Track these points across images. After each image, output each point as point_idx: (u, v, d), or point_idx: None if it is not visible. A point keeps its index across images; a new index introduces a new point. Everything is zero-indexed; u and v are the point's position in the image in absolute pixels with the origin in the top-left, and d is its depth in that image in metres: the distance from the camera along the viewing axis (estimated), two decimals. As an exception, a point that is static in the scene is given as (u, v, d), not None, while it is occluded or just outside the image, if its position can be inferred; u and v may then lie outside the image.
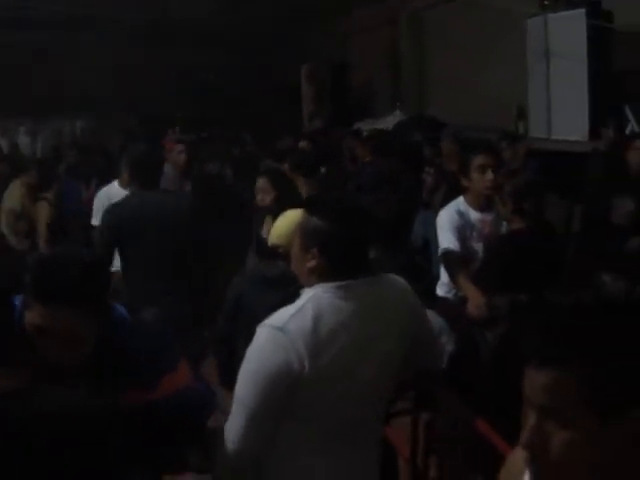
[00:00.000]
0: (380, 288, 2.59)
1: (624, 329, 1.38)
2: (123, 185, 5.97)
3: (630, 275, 5.52)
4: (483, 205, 4.65)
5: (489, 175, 4.55)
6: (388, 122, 9.98)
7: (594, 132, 7.39)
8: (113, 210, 4.87)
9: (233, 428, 2.40)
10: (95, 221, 5.98)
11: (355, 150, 8.61)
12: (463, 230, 4.59)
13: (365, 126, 10.08)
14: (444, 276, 4.70)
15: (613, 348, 1.35)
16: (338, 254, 2.47)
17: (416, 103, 11.42)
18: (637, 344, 1.36)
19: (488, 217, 4.63)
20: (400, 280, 2.73)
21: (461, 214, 4.64)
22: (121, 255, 4.79)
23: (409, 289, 2.72)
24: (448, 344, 3.97)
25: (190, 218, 4.83)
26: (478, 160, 4.59)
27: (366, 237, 2.64)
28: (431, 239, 5.01)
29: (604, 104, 7.42)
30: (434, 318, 3.86)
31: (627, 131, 6.99)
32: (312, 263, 2.47)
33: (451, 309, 4.38)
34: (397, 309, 2.62)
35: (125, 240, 4.71)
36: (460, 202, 4.71)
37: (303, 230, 2.53)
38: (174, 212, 4.79)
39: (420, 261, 4.94)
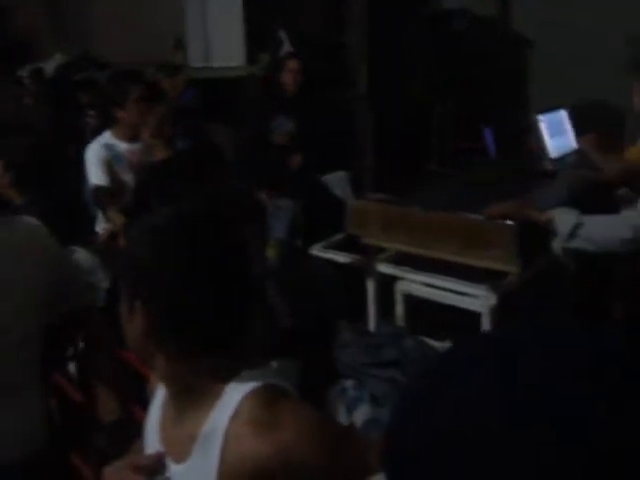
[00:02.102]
0: (6, 231, 2.44)
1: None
2: None
3: (294, 192, 5.75)
4: (131, 136, 4.57)
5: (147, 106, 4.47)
6: (50, 65, 9.51)
7: (251, 57, 7.55)
8: None
9: None
10: None
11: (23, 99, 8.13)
12: (111, 163, 4.50)
13: (26, 72, 9.54)
14: (99, 213, 4.61)
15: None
16: None
17: (81, 43, 10.99)
18: None
19: (136, 147, 4.55)
20: (33, 222, 2.59)
21: (109, 147, 4.55)
22: None
23: (42, 230, 2.58)
24: (104, 281, 3.89)
25: None
26: (136, 92, 4.52)
27: None
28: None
29: (260, 28, 7.55)
30: (85, 256, 3.79)
31: (281, 53, 7.15)
32: None
33: (106, 245, 4.29)
34: (27, 251, 2.47)
35: None
36: (107, 136, 4.61)
37: None
38: None
39: (76, 202, 4.77)
